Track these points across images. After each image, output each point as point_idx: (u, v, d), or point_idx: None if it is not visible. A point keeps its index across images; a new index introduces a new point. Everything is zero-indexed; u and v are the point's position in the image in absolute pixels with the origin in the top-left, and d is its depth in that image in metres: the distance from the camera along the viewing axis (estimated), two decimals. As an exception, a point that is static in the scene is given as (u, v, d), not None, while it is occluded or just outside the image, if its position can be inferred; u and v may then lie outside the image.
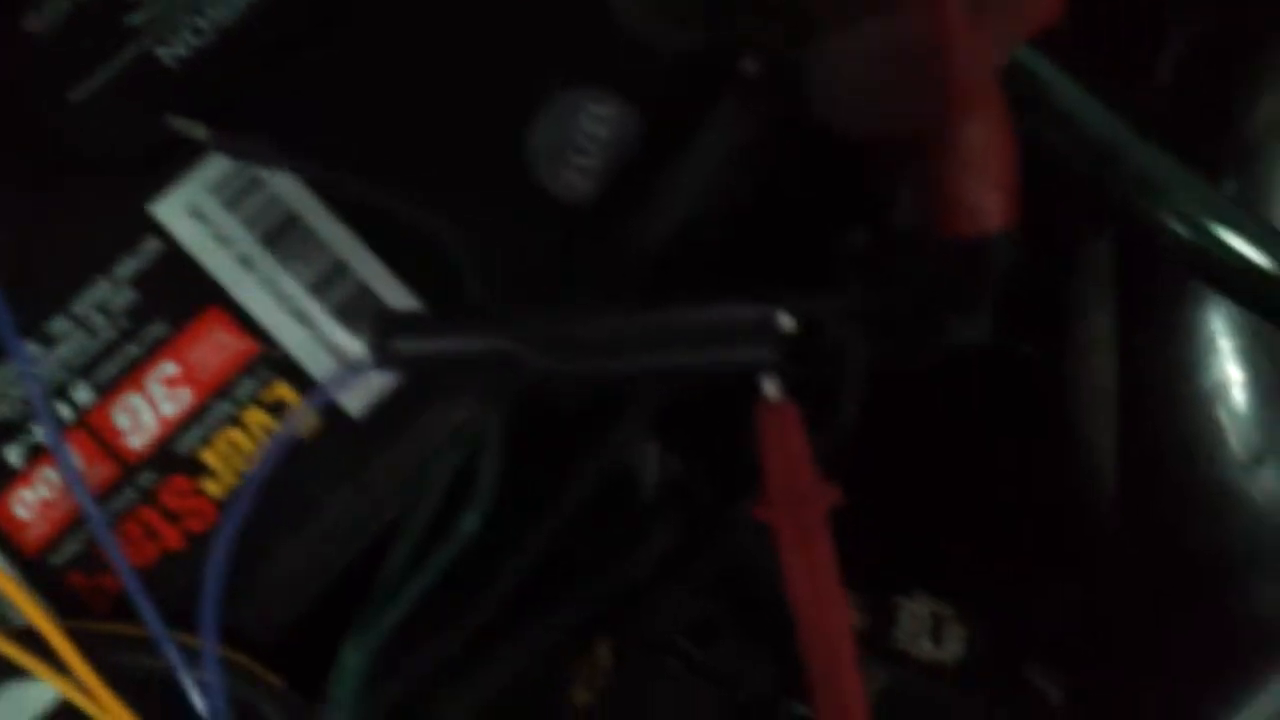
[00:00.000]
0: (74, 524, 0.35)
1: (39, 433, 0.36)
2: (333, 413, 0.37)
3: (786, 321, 0.34)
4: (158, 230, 0.37)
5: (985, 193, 0.36)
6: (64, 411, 0.36)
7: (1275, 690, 0.45)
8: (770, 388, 0.34)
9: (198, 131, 0.37)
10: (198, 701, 0.31)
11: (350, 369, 0.35)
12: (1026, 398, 0.52)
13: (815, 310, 0.38)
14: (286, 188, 0.38)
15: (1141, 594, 0.49)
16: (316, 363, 0.37)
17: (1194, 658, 0.45)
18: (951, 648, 0.49)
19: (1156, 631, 0.48)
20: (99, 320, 0.36)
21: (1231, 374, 0.46)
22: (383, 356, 0.33)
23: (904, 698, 0.47)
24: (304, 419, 0.35)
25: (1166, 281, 0.46)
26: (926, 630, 0.49)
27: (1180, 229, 0.38)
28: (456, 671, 0.40)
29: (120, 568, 0.32)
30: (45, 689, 0.33)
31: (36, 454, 0.36)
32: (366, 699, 0.35)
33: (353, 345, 0.37)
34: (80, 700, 0.31)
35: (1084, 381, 0.49)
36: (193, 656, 0.33)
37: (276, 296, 0.37)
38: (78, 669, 0.31)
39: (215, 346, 0.37)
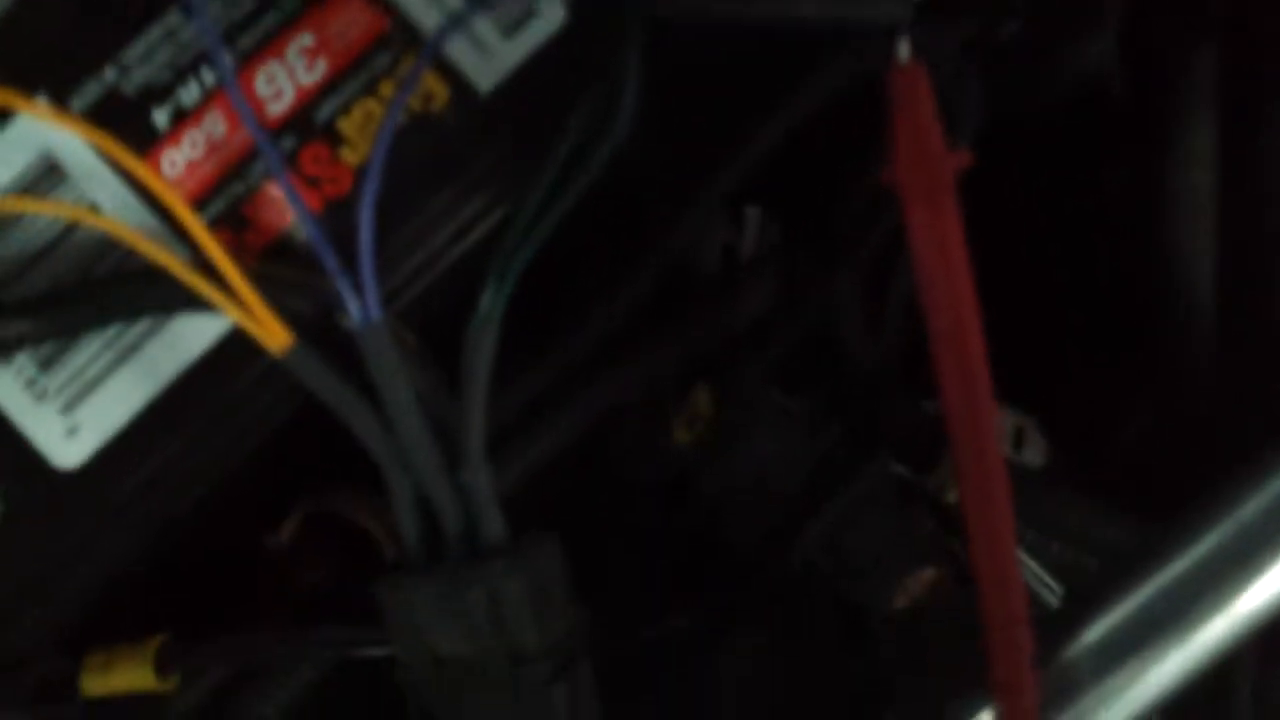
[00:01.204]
0: (220, 182, 0.37)
1: (184, 96, 0.37)
2: (463, 89, 0.38)
3: (920, -21, 0.34)
4: (293, -98, 0.38)
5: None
6: (207, 78, 0.37)
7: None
8: (903, 48, 0.35)
9: None
10: (357, 316, 0.32)
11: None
12: (1124, 215, 0.52)
13: (930, 45, 0.39)
14: None
15: (1233, 405, 0.49)
16: (448, 38, 0.37)
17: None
18: (1032, 456, 0.50)
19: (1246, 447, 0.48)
20: (238, -11, 0.37)
21: None
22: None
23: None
24: (427, 66, 0.35)
25: (1276, 78, 0.45)
26: (1006, 438, 0.50)
27: None
28: (557, 400, 0.42)
29: (296, 205, 0.33)
30: (209, 323, 0.35)
31: (182, 116, 0.37)
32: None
33: (483, 24, 0.37)
34: (249, 324, 0.32)
35: (1184, 198, 0.48)
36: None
37: (409, -28, 0.38)
38: (247, 298, 0.32)
39: (350, 19, 0.37)
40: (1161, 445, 0.54)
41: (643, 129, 0.38)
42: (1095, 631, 0.35)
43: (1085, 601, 0.35)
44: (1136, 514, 0.51)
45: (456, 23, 0.36)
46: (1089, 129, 0.49)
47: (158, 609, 0.39)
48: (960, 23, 0.41)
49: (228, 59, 0.37)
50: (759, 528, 0.48)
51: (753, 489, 0.48)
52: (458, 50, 0.37)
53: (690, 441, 0.48)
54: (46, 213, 0.35)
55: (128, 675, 0.36)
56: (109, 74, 0.37)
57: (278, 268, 0.35)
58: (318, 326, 0.35)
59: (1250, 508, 0.35)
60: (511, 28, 0.38)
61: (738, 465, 0.48)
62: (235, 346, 0.35)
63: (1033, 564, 0.53)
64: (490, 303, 0.33)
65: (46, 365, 0.36)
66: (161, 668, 0.36)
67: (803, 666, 0.50)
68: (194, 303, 0.33)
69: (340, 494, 0.40)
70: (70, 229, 0.36)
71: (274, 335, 0.32)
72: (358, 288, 0.32)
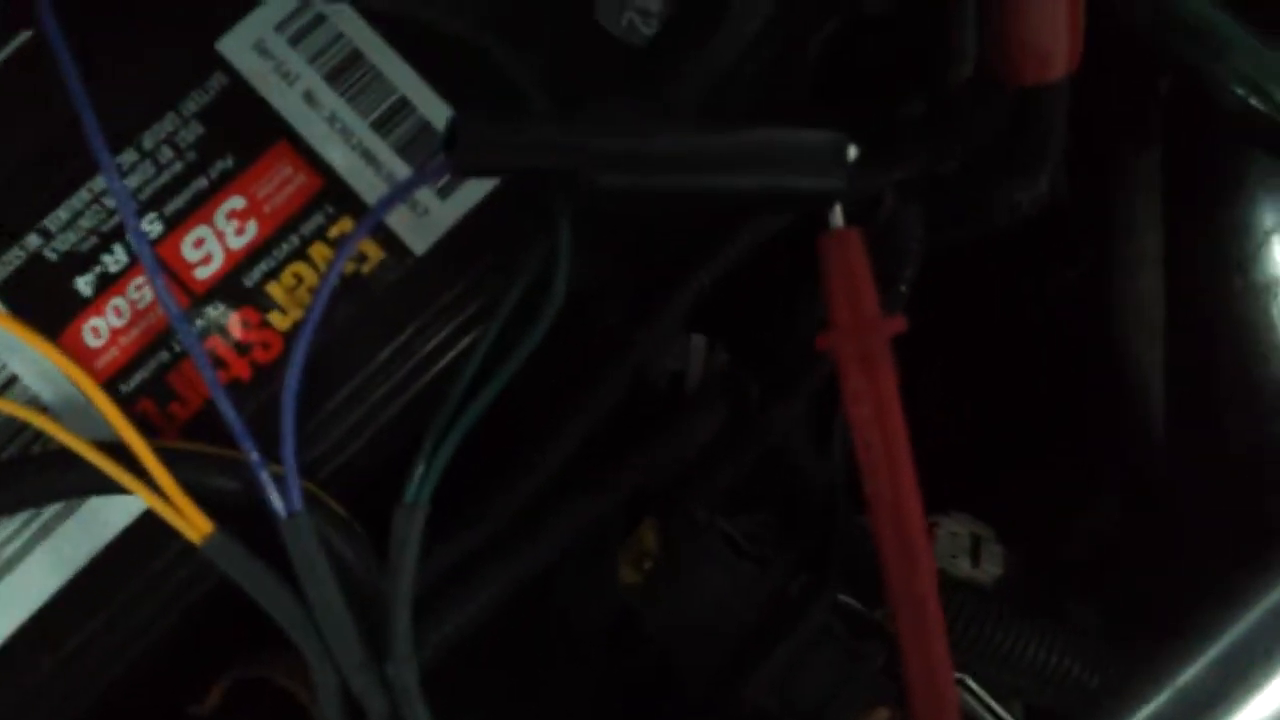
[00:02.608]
0: (144, 351, 0.36)
1: (109, 262, 0.36)
2: (397, 251, 0.37)
3: (853, 150, 0.34)
4: (224, 66, 0.37)
5: (1052, 35, 0.36)
6: (133, 243, 0.36)
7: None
8: (835, 215, 0.35)
9: (260, -33, 0.37)
10: (278, 507, 0.32)
11: (416, 177, 0.35)
12: (1072, 320, 0.52)
13: (874, 183, 0.39)
14: (350, 24, 0.38)
15: (1186, 502, 0.48)
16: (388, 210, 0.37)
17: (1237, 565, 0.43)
18: (989, 568, 0.49)
19: (1201, 541, 0.48)
20: (167, 154, 0.37)
21: None
22: (455, 159, 0.33)
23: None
24: (363, 238, 0.35)
25: (1219, 180, 0.45)
26: (965, 550, 0.50)
27: (1239, 89, 0.39)
28: (502, 547, 0.41)
29: (209, 382, 0.33)
30: (127, 503, 0.34)
31: (106, 283, 0.36)
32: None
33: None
34: (166, 512, 0.32)
35: (1131, 301, 0.48)
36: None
37: (340, 133, 0.37)
38: (164, 483, 0.31)
39: (281, 181, 0.37)
40: (1115, 544, 0.53)
41: (599, 256, 0.38)
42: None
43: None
44: (1092, 639, 0.50)
45: (398, 194, 0.35)
46: (1036, 235, 0.49)
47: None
48: (897, 166, 0.41)
49: (156, 227, 0.36)
50: (708, 669, 0.47)
51: (702, 629, 0.47)
52: (393, 213, 0.37)
53: (638, 582, 0.47)
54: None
55: None
56: (32, 240, 0.36)
57: (199, 446, 0.34)
58: (244, 501, 0.34)
59: (1191, 673, 0.34)
60: (447, 189, 0.37)
61: (687, 605, 0.47)
62: (155, 523, 0.34)
63: (988, 699, 0.52)
64: (418, 489, 0.32)
65: (-40, 549, 0.35)
66: None
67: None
68: (113, 486, 0.32)
69: (266, 658, 0.39)
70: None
71: (193, 523, 0.31)
72: (279, 479, 0.31)
